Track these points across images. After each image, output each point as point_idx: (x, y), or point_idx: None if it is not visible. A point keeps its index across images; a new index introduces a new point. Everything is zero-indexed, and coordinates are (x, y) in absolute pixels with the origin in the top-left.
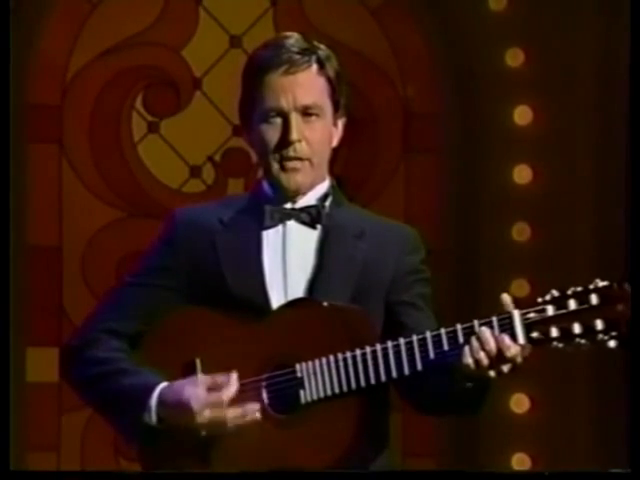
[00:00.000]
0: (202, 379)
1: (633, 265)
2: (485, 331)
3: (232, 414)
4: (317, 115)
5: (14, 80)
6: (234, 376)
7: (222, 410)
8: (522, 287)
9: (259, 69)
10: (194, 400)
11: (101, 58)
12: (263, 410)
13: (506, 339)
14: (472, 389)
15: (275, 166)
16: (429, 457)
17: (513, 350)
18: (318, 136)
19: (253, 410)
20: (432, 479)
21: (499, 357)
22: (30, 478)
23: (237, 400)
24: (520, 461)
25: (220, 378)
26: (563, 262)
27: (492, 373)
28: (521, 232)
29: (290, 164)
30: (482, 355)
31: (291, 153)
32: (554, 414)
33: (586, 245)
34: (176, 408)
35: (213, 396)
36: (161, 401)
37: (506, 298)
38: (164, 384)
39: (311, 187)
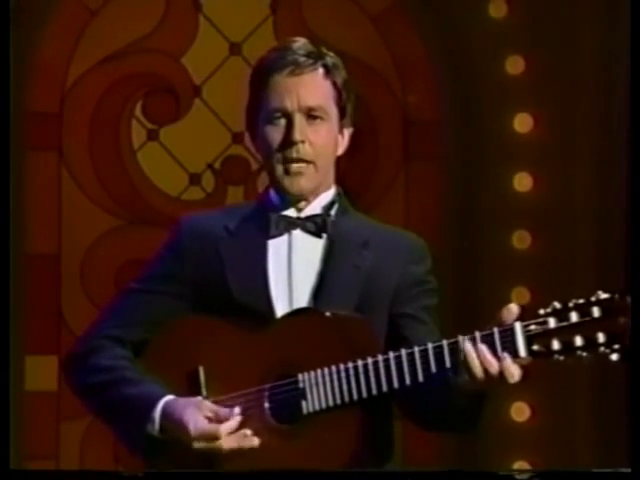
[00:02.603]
0: (205, 405)
1: (633, 273)
2: (486, 351)
3: (227, 445)
4: (322, 118)
5: (14, 87)
6: (236, 410)
7: (218, 442)
8: (522, 295)
9: (265, 71)
10: (192, 425)
11: (101, 65)
12: (265, 420)
13: (509, 364)
14: (469, 405)
15: (279, 169)
16: (430, 465)
17: (513, 369)
18: (322, 139)
19: (250, 441)
20: (432, 479)
21: (500, 375)
22: (29, 478)
23: (240, 410)
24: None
25: (222, 410)
26: (564, 270)
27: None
28: (521, 240)
29: (294, 167)
30: (482, 375)
31: (294, 154)
32: (554, 422)
33: (586, 253)
34: (176, 425)
35: (211, 428)
36: (164, 414)
37: (513, 308)
38: (169, 397)
39: (315, 192)
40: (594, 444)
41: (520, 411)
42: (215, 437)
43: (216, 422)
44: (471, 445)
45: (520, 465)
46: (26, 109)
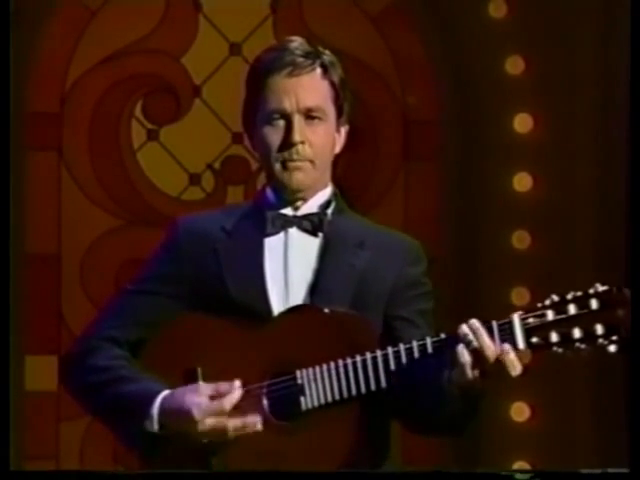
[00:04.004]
0: (204, 387)
1: (633, 272)
2: (485, 334)
3: (233, 423)
4: (320, 118)
5: (14, 87)
6: (237, 384)
7: (224, 418)
8: (522, 295)
9: (262, 71)
10: (196, 408)
11: (101, 66)
12: (264, 416)
13: (511, 351)
14: (464, 402)
15: (277, 167)
16: (429, 465)
17: (516, 362)
18: (320, 139)
19: (254, 421)
20: (432, 479)
21: (498, 362)
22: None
23: (238, 407)
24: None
25: (223, 386)
26: (563, 270)
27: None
28: (521, 240)
29: (292, 164)
30: (479, 358)
31: (294, 155)
32: (554, 422)
33: (586, 253)
34: (177, 416)
35: (215, 404)
36: (163, 409)
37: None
38: (166, 392)
39: (312, 189)
40: (594, 444)
41: (520, 411)
42: (221, 411)
43: (217, 398)
44: (471, 445)
45: (520, 465)
46: (26, 109)
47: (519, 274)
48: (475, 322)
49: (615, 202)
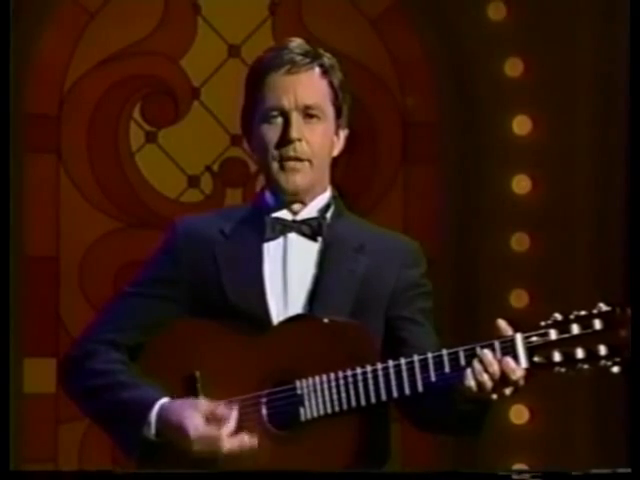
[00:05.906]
0: (203, 405)
1: (633, 271)
2: (488, 353)
3: (228, 446)
4: (318, 117)
5: (13, 89)
6: (234, 412)
7: (218, 444)
8: (521, 297)
9: (261, 70)
10: (192, 428)
11: (99, 68)
12: (262, 426)
13: (510, 362)
14: (472, 411)
15: (275, 166)
16: (429, 467)
17: (518, 373)
18: (318, 138)
19: (249, 442)
20: (432, 479)
21: (502, 380)
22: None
23: (238, 409)
24: None
25: (221, 410)
26: (562, 272)
27: (494, 396)
28: (520, 242)
29: (290, 164)
30: (485, 378)
31: (291, 152)
32: (553, 425)
33: (585, 255)
34: (174, 429)
35: (210, 429)
36: (160, 417)
37: (501, 323)
38: (164, 400)
39: (310, 191)
40: (593, 446)
41: (519, 413)
42: (216, 440)
43: (214, 422)
44: (470, 447)
45: (519, 468)
46: (25, 111)
47: (518, 276)
48: (487, 352)
49: (614, 204)
